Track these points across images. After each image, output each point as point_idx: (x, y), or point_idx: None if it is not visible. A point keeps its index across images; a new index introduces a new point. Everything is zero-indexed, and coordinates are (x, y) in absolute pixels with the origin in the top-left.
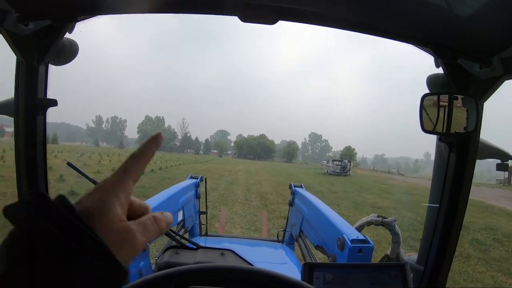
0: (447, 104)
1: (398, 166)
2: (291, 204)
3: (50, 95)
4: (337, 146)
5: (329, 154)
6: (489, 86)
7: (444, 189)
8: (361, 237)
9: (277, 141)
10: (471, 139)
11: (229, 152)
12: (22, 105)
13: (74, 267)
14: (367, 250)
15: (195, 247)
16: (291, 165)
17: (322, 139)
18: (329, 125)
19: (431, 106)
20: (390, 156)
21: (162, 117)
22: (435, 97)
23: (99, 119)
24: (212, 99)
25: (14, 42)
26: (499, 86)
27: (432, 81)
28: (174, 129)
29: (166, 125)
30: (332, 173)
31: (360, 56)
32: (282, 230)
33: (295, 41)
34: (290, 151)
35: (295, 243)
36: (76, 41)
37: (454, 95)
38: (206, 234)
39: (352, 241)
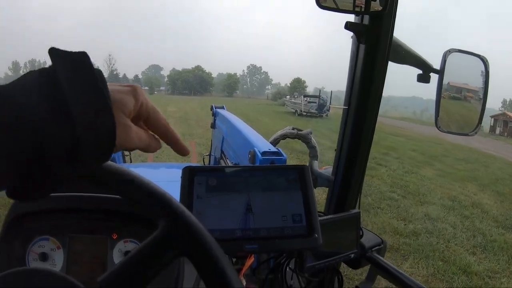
0: None
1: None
2: (213, 126)
3: None
4: (277, 78)
5: (268, 87)
6: None
7: (352, 87)
8: (273, 149)
9: (214, 74)
10: (381, 29)
11: (162, 88)
12: None
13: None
14: (280, 163)
15: None
16: (234, 101)
17: (262, 71)
18: (269, 57)
19: None
20: (330, 89)
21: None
22: None
23: (15, 65)
24: (143, 31)
25: None
26: None
27: None
28: (98, 67)
29: None
30: (305, 113)
31: None
32: (207, 155)
33: None
34: (230, 84)
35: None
36: None
37: None
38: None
39: (263, 153)
